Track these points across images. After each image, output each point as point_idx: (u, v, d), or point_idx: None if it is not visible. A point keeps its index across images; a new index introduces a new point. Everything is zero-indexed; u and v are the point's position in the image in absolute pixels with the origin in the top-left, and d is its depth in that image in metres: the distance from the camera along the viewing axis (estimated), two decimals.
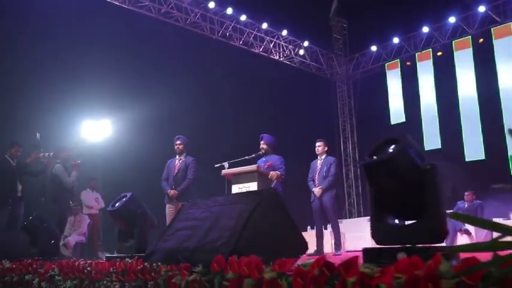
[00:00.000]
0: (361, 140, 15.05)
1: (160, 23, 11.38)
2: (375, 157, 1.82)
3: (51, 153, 7.09)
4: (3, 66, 8.89)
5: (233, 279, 1.91)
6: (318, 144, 6.72)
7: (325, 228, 7.97)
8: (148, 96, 10.11)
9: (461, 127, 12.38)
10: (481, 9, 12.29)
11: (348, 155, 15.22)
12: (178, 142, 6.50)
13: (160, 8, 11.24)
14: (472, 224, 0.97)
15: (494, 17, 12.20)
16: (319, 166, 6.63)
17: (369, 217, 2.16)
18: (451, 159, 11.62)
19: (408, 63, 13.60)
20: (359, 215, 14.01)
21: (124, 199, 3.47)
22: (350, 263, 1.54)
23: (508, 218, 8.03)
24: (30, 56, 9.09)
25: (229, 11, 12.34)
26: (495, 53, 12.01)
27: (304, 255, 2.40)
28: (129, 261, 2.68)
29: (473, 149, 12.11)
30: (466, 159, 12.13)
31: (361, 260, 1.69)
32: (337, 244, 6.55)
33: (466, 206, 8.02)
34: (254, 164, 5.83)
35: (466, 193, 8.09)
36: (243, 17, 12.67)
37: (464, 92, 12.48)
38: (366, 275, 1.46)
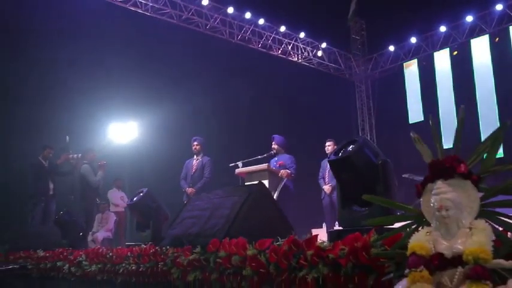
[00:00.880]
0: (379, 139, 15.18)
1: (182, 28, 11.85)
2: (339, 155, 2.20)
3: (79, 155, 7.67)
4: (35, 74, 9.45)
5: (224, 257, 2.31)
6: (327, 144, 7.04)
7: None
8: (171, 99, 10.54)
9: (479, 125, 12.40)
10: (499, 7, 12.30)
11: None
12: (195, 143, 6.93)
13: (181, 15, 11.71)
14: None
15: (511, 15, 12.20)
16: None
17: None
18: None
19: (424, 62, 13.70)
20: None
21: (141, 194, 3.93)
22: (310, 241, 1.91)
23: None
24: (59, 62, 9.61)
25: (248, 15, 12.71)
26: None
27: None
28: (144, 246, 3.11)
29: None
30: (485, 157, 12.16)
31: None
32: None
33: None
34: (267, 163, 6.21)
35: None
36: (261, 21, 13.02)
37: (482, 90, 12.52)
38: (321, 248, 1.83)
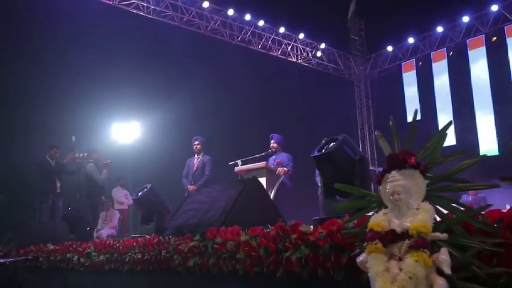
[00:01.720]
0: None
1: (183, 30, 12.12)
2: (323, 151, 2.48)
3: (85, 154, 7.98)
4: (41, 75, 9.71)
5: (221, 243, 2.58)
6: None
7: None
8: (173, 99, 10.79)
9: (475, 123, 12.62)
10: (494, 8, 12.52)
11: (365, 153, 15.63)
12: (196, 142, 7.21)
13: (182, 17, 12.00)
14: None
15: (507, 15, 12.42)
16: None
17: None
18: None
19: (420, 63, 13.94)
20: None
21: (145, 190, 4.22)
22: (295, 226, 2.19)
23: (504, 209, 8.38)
24: (64, 64, 9.88)
25: (248, 17, 12.98)
26: (508, 51, 12.25)
27: None
28: (148, 237, 3.39)
29: (488, 145, 12.38)
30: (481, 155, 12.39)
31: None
32: None
33: (470, 199, 8.44)
34: (265, 161, 6.47)
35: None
36: (261, 22, 13.29)
37: (478, 89, 12.75)
38: (303, 232, 2.11)
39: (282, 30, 13.76)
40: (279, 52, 14.07)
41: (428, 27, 13.83)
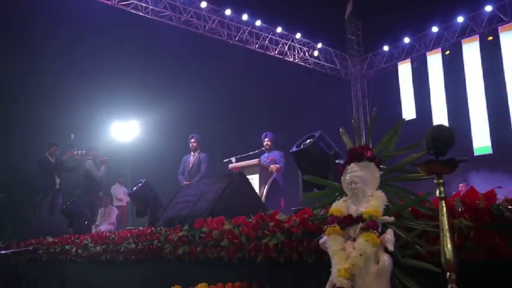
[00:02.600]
0: (374, 136, 15.54)
1: (182, 30, 12.30)
2: (301, 147, 2.68)
3: (84, 152, 8.18)
4: (41, 74, 9.88)
5: (207, 232, 2.79)
6: None
7: None
8: (171, 98, 10.97)
9: (469, 120, 12.80)
10: (488, 8, 12.69)
11: None
12: (192, 140, 7.40)
13: (180, 17, 12.17)
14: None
15: (501, 16, 12.59)
16: None
17: None
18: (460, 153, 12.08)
19: (415, 63, 14.12)
20: None
21: (139, 184, 4.42)
22: (273, 215, 2.39)
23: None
24: (64, 63, 10.05)
25: (245, 17, 13.15)
26: (502, 51, 12.42)
27: None
28: (142, 228, 3.59)
29: (481, 144, 12.57)
30: (474, 154, 12.58)
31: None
32: None
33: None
34: (258, 158, 6.66)
35: (460, 185, 8.68)
36: (258, 22, 13.46)
37: (472, 88, 12.92)
38: (279, 220, 2.31)
39: (279, 30, 13.93)
40: (276, 52, 14.25)
41: (424, 27, 14.01)
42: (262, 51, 13.93)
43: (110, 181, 9.52)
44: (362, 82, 16.23)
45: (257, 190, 5.56)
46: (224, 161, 6.79)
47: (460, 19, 13.21)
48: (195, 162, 7.33)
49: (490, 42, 12.79)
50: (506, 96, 12.13)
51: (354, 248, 1.61)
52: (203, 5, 12.31)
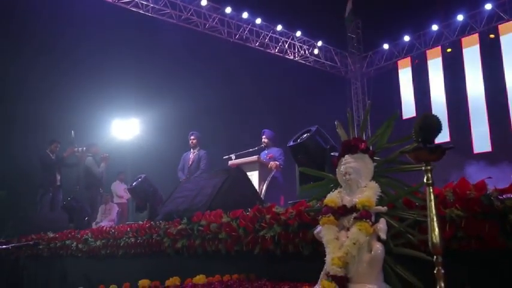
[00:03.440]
0: (373, 133, 15.56)
1: (182, 28, 12.32)
2: (298, 141, 2.72)
3: (84, 148, 8.24)
4: (42, 72, 9.91)
5: (205, 225, 2.82)
6: None
7: None
8: (171, 96, 11.00)
9: (469, 121, 12.81)
10: (488, 6, 12.69)
11: None
12: (192, 137, 7.44)
13: (180, 15, 12.19)
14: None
15: (501, 14, 12.59)
16: None
17: None
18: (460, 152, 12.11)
19: (416, 61, 14.13)
20: None
21: (139, 179, 4.46)
22: (270, 208, 2.42)
23: None
24: (65, 61, 10.10)
25: (245, 15, 13.15)
26: (502, 49, 12.43)
27: None
28: (141, 223, 3.63)
29: (481, 141, 12.58)
30: (474, 152, 12.60)
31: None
32: None
33: None
34: (258, 155, 6.70)
35: None
36: (258, 20, 13.46)
37: (472, 86, 12.93)
38: (276, 213, 2.34)
39: (279, 28, 13.94)
40: (277, 50, 14.26)
41: (424, 25, 14.00)
42: (262, 49, 13.94)
43: (110, 178, 9.56)
44: (362, 80, 16.23)
45: (256, 187, 5.60)
46: (224, 157, 6.84)
47: (460, 17, 13.20)
48: (195, 159, 7.37)
49: (490, 40, 12.78)
50: (506, 96, 12.13)
51: (347, 237, 1.65)
52: (203, 3, 12.32)
